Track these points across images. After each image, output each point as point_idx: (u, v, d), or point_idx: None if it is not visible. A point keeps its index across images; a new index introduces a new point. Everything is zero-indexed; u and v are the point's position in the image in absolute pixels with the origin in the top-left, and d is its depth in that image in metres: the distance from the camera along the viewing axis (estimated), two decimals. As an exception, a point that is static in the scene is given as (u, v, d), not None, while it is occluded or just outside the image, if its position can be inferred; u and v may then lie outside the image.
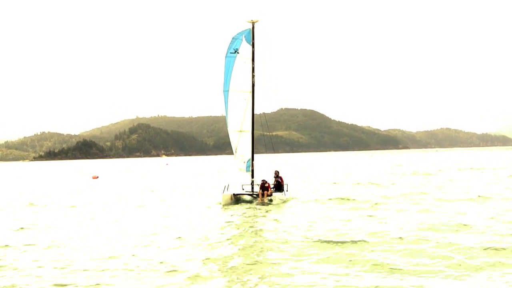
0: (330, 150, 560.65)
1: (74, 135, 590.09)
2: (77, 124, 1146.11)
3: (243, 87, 30.82)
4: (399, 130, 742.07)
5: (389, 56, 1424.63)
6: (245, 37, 30.65)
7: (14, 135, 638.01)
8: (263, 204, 29.46)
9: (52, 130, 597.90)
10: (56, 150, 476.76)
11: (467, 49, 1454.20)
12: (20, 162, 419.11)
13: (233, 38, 30.50)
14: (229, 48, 30.48)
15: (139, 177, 75.90)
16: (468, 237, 17.61)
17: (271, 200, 29.89)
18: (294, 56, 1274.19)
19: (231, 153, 31.88)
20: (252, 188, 31.58)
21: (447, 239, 17.29)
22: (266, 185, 30.58)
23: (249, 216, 25.41)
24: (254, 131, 31.75)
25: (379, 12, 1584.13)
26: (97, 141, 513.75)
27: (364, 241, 17.49)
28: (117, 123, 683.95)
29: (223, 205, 29.76)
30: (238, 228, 21.71)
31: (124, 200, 36.56)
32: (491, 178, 46.63)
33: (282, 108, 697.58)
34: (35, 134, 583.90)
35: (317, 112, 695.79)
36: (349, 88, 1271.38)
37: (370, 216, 23.67)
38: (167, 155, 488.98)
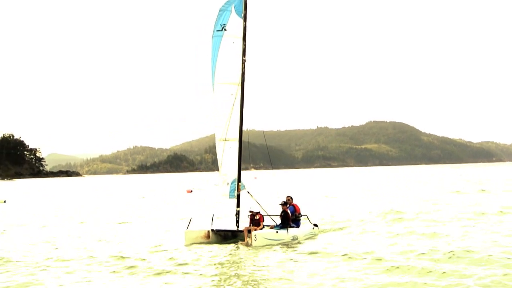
0: (420, 163, 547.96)
1: (165, 149, 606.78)
2: (168, 139, 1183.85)
3: (230, 77, 22.17)
4: (492, 142, 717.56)
5: (483, 66, 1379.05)
6: (235, 7, 22.12)
7: (108, 149, 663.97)
8: (248, 245, 20.41)
9: (144, 144, 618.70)
10: (148, 164, 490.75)
11: None
12: (114, 176, 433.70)
13: (220, 10, 22.20)
14: (215, 24, 22.23)
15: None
16: None
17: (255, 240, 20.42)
18: (381, 68, 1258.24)
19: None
20: (237, 221, 22.17)
21: None
22: (257, 217, 21.62)
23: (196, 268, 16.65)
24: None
25: (464, 21, 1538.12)
26: (187, 154, 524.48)
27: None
28: (206, 136, 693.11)
29: (187, 245, 21.04)
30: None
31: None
32: None
33: (371, 121, 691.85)
34: (128, 148, 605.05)
35: (407, 124, 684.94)
36: (439, 98, 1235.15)
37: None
38: (255, 168, 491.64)
